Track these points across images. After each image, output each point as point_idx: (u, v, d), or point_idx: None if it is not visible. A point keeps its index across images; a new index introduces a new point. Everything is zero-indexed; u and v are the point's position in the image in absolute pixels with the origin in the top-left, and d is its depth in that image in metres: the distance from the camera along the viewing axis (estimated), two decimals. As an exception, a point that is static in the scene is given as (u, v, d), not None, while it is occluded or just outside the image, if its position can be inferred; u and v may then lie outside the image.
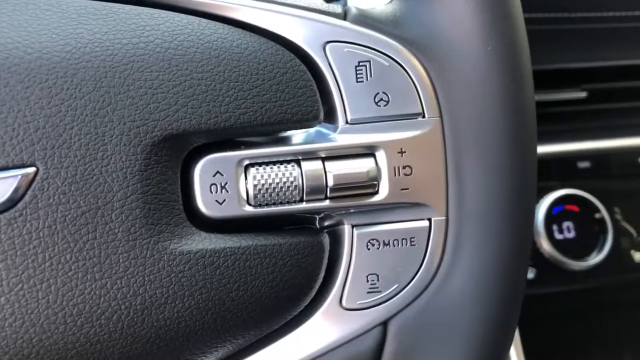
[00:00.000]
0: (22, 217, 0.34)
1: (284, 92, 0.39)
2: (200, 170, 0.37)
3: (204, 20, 0.39)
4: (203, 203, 0.37)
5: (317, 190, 0.38)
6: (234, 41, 0.39)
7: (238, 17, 0.40)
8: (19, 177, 0.34)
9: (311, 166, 0.38)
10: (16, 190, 0.34)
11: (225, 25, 0.40)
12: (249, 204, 0.38)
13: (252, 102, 0.38)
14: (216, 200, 0.37)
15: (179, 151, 0.37)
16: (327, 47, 0.39)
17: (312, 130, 0.40)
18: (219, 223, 0.38)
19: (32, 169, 0.34)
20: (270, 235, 0.39)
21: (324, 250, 0.40)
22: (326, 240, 0.40)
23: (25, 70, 0.35)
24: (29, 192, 0.34)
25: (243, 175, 0.38)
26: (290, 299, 0.40)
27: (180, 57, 0.37)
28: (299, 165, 0.38)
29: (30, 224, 0.34)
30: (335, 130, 0.39)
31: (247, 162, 0.38)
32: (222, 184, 0.37)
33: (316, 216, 0.40)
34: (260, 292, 0.38)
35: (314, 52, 0.39)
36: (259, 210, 0.38)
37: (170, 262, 0.36)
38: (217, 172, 0.37)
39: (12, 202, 0.34)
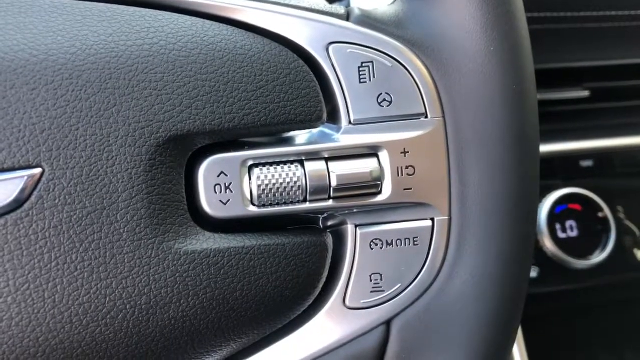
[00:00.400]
0: (28, 218, 0.35)
1: (288, 93, 0.39)
2: (204, 171, 0.38)
3: (207, 22, 0.40)
4: (207, 203, 0.38)
5: (320, 190, 0.38)
6: (238, 42, 0.39)
7: (241, 19, 0.40)
8: (25, 178, 0.34)
9: (315, 166, 0.38)
10: (22, 191, 0.34)
11: (229, 26, 0.40)
12: (253, 204, 0.38)
13: (255, 103, 0.38)
14: (220, 201, 0.38)
15: (184, 152, 0.38)
16: (331, 48, 0.39)
17: (315, 130, 0.40)
18: (223, 223, 0.38)
19: (38, 170, 0.35)
20: (274, 235, 0.39)
21: (327, 250, 0.40)
22: (329, 240, 0.40)
23: (31, 72, 0.35)
24: (35, 192, 0.35)
25: (247, 175, 0.38)
26: (294, 298, 0.40)
27: (185, 59, 0.37)
28: (303, 166, 0.38)
29: (37, 225, 0.35)
30: (338, 130, 0.39)
31: (251, 162, 0.38)
32: (227, 184, 0.38)
33: (319, 216, 0.41)
34: (264, 291, 0.39)
35: (318, 53, 0.39)
36: (263, 210, 0.38)
37: (175, 262, 0.37)
38: (222, 172, 0.38)
39: (19, 202, 0.34)
